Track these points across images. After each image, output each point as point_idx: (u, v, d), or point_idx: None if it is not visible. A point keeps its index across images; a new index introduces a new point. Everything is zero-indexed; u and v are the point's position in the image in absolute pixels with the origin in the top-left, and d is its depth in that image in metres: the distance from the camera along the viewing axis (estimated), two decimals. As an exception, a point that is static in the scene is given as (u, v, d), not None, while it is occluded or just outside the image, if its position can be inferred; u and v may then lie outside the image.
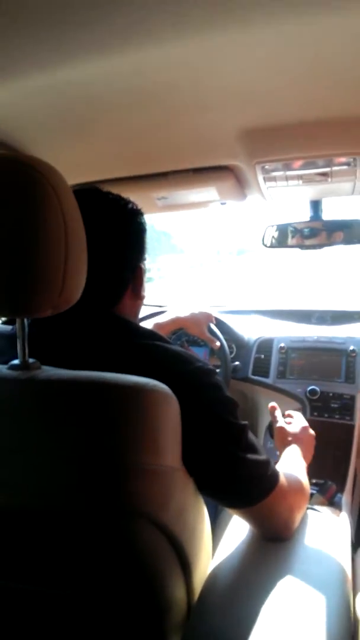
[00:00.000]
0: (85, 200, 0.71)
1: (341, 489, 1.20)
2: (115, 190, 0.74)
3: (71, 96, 0.67)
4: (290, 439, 0.96)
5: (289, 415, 1.04)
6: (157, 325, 1.25)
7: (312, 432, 1.01)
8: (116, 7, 0.48)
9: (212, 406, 0.63)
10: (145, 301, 0.81)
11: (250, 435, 0.66)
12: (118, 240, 0.71)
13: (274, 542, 0.73)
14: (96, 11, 0.49)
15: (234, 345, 1.54)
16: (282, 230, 1.35)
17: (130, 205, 0.74)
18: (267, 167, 0.89)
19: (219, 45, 0.55)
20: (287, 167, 0.90)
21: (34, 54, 0.55)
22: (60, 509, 0.52)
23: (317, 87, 0.66)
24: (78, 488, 0.51)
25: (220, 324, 1.50)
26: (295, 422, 1.02)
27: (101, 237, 0.69)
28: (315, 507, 0.92)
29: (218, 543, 0.77)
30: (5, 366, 0.55)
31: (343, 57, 0.58)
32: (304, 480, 0.81)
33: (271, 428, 1.04)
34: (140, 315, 1.39)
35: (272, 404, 1.07)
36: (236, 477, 0.64)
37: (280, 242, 1.37)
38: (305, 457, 0.93)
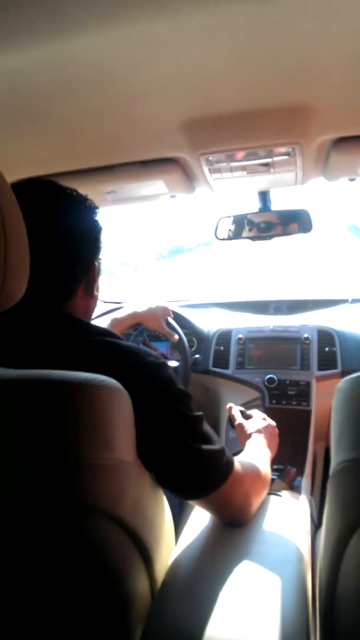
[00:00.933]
0: (39, 192, 0.69)
1: (301, 473, 1.24)
2: (63, 183, 0.72)
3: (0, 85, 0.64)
4: (250, 432, 0.98)
5: (249, 415, 1.06)
6: (114, 320, 1.24)
7: (272, 422, 1.03)
8: None
9: (164, 399, 0.63)
10: (102, 297, 0.79)
11: (205, 426, 0.67)
12: (73, 236, 0.70)
13: (234, 528, 0.74)
14: None
15: (194, 339, 1.55)
16: (239, 222, 1.36)
17: (87, 202, 0.73)
18: (210, 158, 0.89)
19: (151, 34, 0.55)
20: (231, 159, 0.90)
21: None
22: (15, 508, 0.52)
23: (253, 77, 0.67)
24: (31, 486, 0.51)
25: (180, 318, 1.50)
26: (254, 418, 1.04)
27: (55, 231, 0.67)
28: (276, 491, 0.94)
29: (182, 533, 0.77)
30: None
31: (276, 46, 0.59)
32: (263, 466, 0.83)
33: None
34: (98, 312, 1.38)
35: (229, 405, 1.09)
36: (191, 468, 0.64)
37: (237, 234, 1.38)
38: (270, 447, 0.95)
